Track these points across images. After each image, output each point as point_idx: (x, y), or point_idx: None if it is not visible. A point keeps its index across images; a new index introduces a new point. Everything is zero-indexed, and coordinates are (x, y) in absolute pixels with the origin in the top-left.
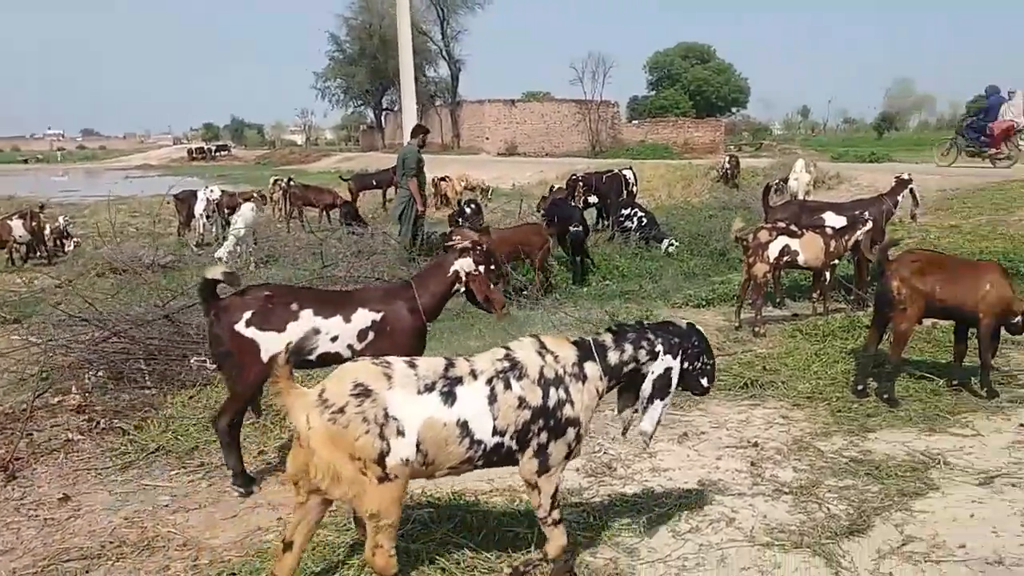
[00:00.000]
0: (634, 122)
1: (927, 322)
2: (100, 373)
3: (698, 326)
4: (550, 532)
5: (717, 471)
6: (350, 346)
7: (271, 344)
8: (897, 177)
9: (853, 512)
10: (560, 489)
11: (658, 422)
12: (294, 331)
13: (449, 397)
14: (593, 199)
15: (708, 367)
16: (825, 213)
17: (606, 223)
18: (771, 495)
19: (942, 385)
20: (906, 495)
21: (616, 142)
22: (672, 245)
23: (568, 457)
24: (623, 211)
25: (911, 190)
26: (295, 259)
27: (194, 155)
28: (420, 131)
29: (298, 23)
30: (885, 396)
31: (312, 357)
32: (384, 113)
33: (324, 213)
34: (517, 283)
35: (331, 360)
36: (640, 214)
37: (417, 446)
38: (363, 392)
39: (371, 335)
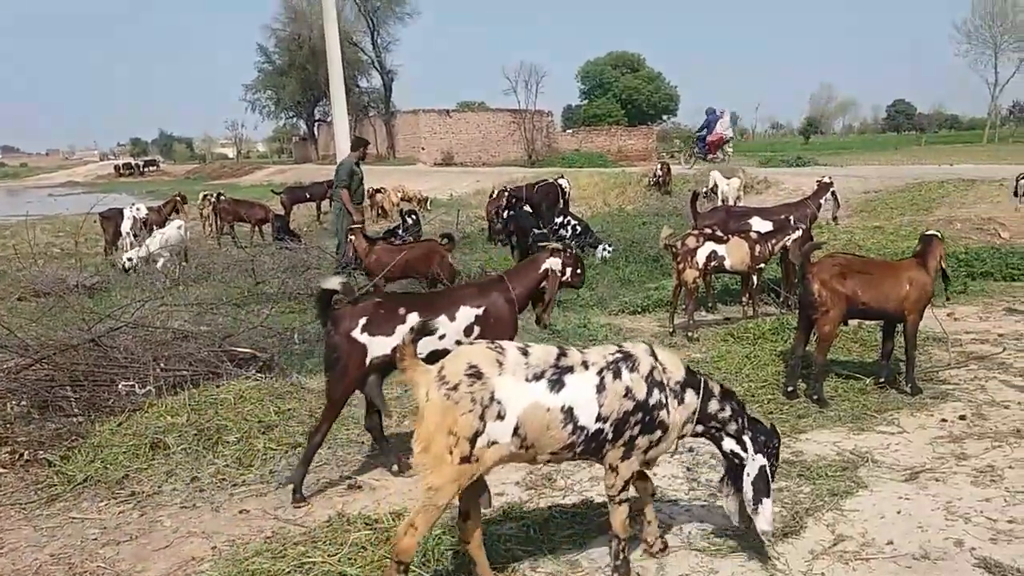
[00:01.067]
0: (569, 131)
1: (853, 322)
2: (23, 402)
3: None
4: (615, 508)
5: (655, 478)
6: (458, 342)
7: (377, 348)
8: (819, 181)
9: (786, 514)
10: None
11: (772, 519)
12: (402, 334)
13: (556, 384)
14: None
15: (774, 469)
16: (752, 218)
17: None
18: (707, 500)
19: (869, 384)
20: (836, 495)
21: (551, 151)
22: (606, 250)
23: (645, 452)
24: (557, 220)
25: (832, 192)
26: (225, 276)
27: (121, 171)
28: (359, 144)
29: (226, 34)
30: (815, 397)
31: (422, 354)
32: (317, 124)
33: (256, 228)
34: None
35: (440, 357)
36: (574, 222)
37: (515, 430)
38: (476, 374)
39: (476, 329)
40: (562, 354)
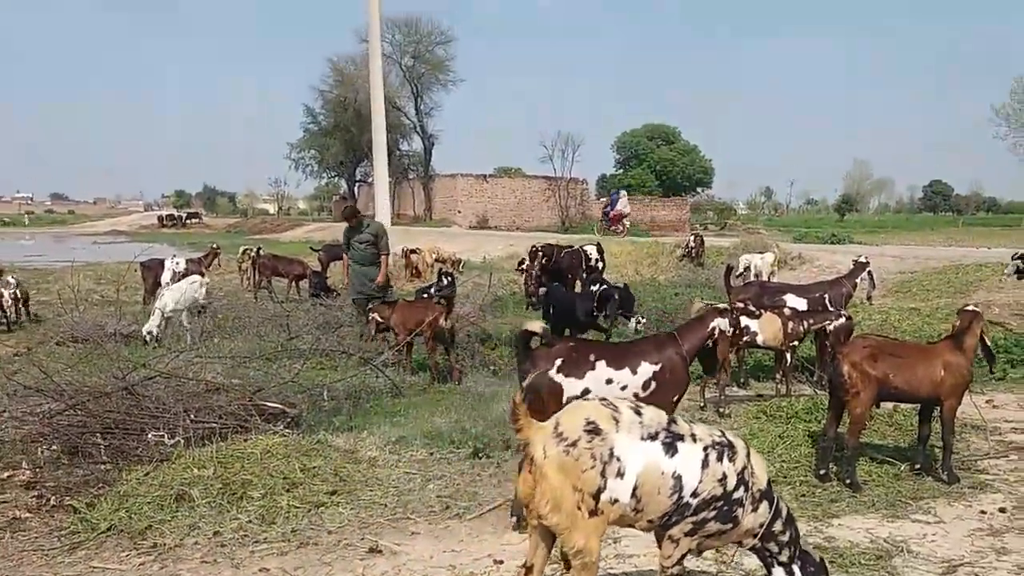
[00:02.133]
0: (602, 199)
1: (888, 405)
2: (53, 447)
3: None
4: None
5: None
6: (636, 394)
7: (572, 388)
8: (855, 260)
9: None
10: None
11: None
12: (591, 379)
13: (671, 449)
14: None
15: None
16: (786, 295)
17: None
18: None
19: (904, 469)
20: None
21: (585, 218)
22: (639, 322)
23: (707, 537)
24: (593, 288)
25: (868, 272)
26: (260, 331)
27: (164, 222)
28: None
29: (273, 93)
30: (847, 481)
31: None
32: (358, 185)
33: (294, 284)
34: (486, 359)
35: None
36: (612, 290)
37: (634, 490)
38: (594, 430)
39: (653, 384)
40: (672, 420)
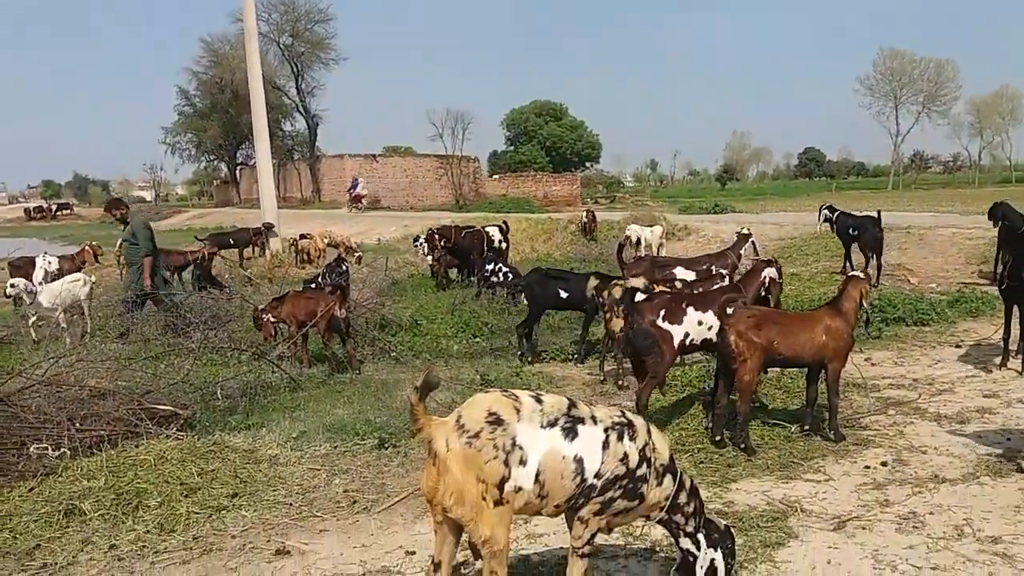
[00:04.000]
0: (495, 176)
1: (775, 369)
2: None
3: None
4: (576, 562)
5: None
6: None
7: (677, 333)
8: (738, 232)
9: None
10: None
11: None
12: (687, 323)
13: (570, 433)
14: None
15: (729, 567)
16: (676, 268)
17: (471, 279)
18: (643, 554)
19: (794, 431)
20: (768, 546)
21: (479, 196)
22: None
23: (615, 515)
24: (488, 267)
25: (752, 243)
26: (143, 330)
27: (32, 215)
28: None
29: (144, 74)
30: (742, 446)
31: (697, 342)
32: (239, 168)
33: (176, 275)
34: (386, 345)
35: (707, 346)
36: (505, 269)
37: (536, 476)
38: (496, 421)
39: None
40: (572, 404)
